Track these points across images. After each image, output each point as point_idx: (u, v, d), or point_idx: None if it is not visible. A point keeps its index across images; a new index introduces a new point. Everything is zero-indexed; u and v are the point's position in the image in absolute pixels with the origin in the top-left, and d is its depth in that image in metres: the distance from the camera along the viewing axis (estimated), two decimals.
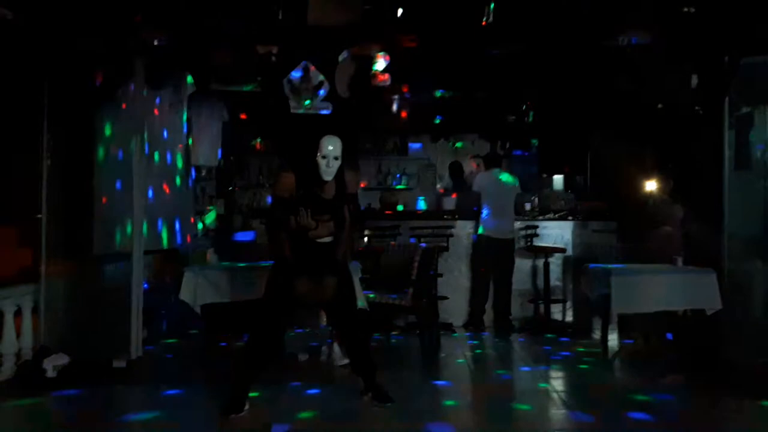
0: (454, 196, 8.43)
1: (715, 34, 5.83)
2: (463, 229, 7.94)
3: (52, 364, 5.09)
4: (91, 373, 5.18)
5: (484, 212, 7.70)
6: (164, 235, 7.11)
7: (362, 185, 9.98)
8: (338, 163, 4.41)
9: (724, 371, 5.39)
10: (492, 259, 7.70)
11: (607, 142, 8.70)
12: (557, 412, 4.65)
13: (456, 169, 9.26)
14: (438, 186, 10.51)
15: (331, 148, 4.37)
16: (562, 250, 7.81)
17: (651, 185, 7.05)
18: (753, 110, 5.72)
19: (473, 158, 8.78)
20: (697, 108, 6.33)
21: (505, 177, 7.93)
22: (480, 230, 7.71)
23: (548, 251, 7.70)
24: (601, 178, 9.10)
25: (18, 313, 5.29)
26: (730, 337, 5.66)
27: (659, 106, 7.09)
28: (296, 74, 7.46)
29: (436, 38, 6.68)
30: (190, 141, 7.74)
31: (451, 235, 7.74)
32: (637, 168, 7.74)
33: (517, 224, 7.97)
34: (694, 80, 6.30)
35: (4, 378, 5.10)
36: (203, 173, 8.42)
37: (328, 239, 4.52)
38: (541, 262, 7.75)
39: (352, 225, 4.60)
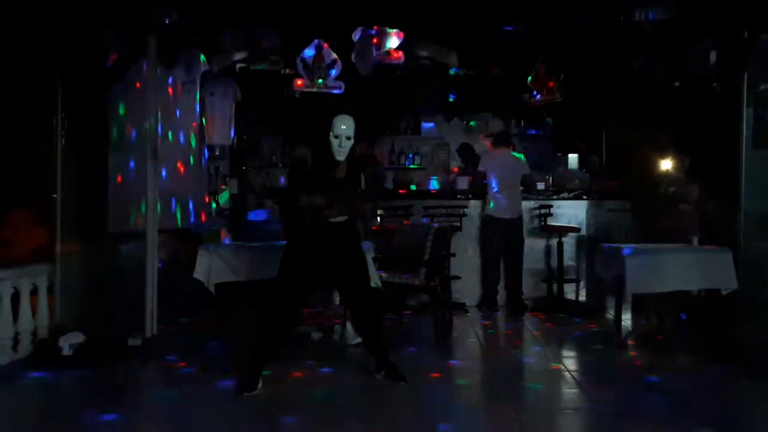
0: (470, 179, 8.36)
1: (733, 9, 5.72)
2: (476, 209, 7.91)
3: (68, 343, 5.14)
4: (107, 351, 5.23)
5: (492, 191, 7.66)
6: (178, 214, 7.15)
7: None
8: (351, 143, 4.40)
9: (739, 351, 5.35)
10: (501, 238, 7.67)
11: (623, 120, 8.61)
12: (570, 392, 4.65)
13: (466, 151, 9.21)
14: (452, 166, 10.45)
15: (344, 127, 4.35)
16: (577, 230, 7.76)
17: (667, 164, 6.97)
18: None
19: (486, 137, 8.71)
20: (714, 85, 6.23)
21: (513, 156, 7.88)
22: (493, 210, 7.67)
23: (562, 231, 7.66)
24: (617, 157, 9.02)
25: (34, 292, 5.33)
26: (746, 317, 5.61)
27: (676, 83, 6.99)
28: (309, 53, 7.43)
29: (451, 15, 6.61)
30: (204, 120, 7.75)
31: (465, 215, 7.71)
32: (652, 146, 7.65)
33: (531, 204, 7.93)
34: (712, 56, 6.20)
35: (21, 356, 5.15)
36: (217, 152, 8.43)
37: (341, 219, 4.52)
38: (554, 242, 7.71)
39: (368, 196, 4.60)
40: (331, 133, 4.37)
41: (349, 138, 4.38)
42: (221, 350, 5.70)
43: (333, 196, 4.43)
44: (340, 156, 4.40)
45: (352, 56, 7.10)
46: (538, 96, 8.34)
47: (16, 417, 4.03)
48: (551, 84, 8.17)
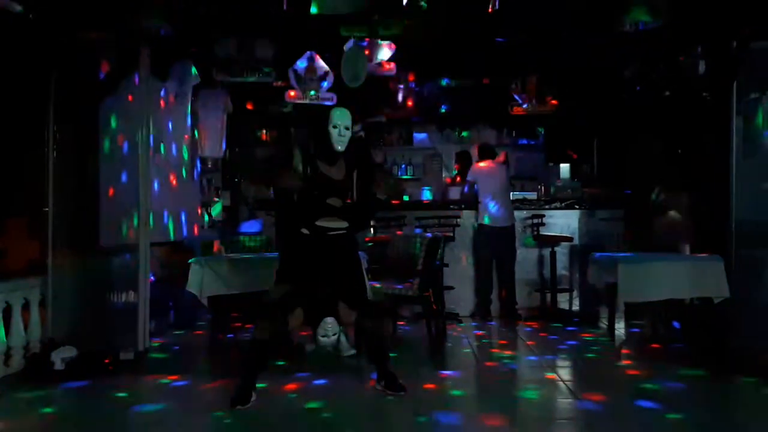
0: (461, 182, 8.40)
1: (723, 18, 5.77)
2: (469, 219, 7.94)
3: (60, 357, 5.11)
4: (99, 365, 5.20)
5: (482, 202, 7.71)
6: (171, 227, 7.12)
7: None
8: (349, 133, 4.40)
9: (732, 359, 5.36)
10: (494, 247, 7.69)
11: (614, 129, 8.66)
12: (564, 401, 4.64)
13: (464, 159, 9.24)
14: (444, 176, 10.48)
15: (342, 118, 4.37)
16: (569, 239, 7.78)
17: (657, 172, 7.01)
18: (762, 96, 5.66)
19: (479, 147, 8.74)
20: (705, 94, 6.28)
21: (499, 166, 7.92)
22: (485, 220, 7.70)
23: (555, 240, 7.68)
24: (608, 166, 9.06)
25: (26, 306, 5.31)
26: (738, 325, 5.63)
27: (667, 92, 7.03)
28: (301, 64, 7.45)
29: (442, 26, 6.64)
30: (196, 132, 7.74)
31: (457, 225, 7.73)
32: (644, 155, 7.69)
33: (524, 213, 7.96)
34: (702, 66, 6.25)
35: (13, 371, 5.12)
36: (209, 165, 8.41)
37: (341, 229, 4.48)
38: (547, 252, 7.73)
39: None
40: (329, 125, 4.36)
41: (347, 128, 4.38)
42: (214, 363, 5.68)
43: (330, 199, 4.41)
44: (340, 146, 4.38)
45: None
46: (525, 105, 8.39)
47: None
48: (550, 100, 8.25)
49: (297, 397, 4.61)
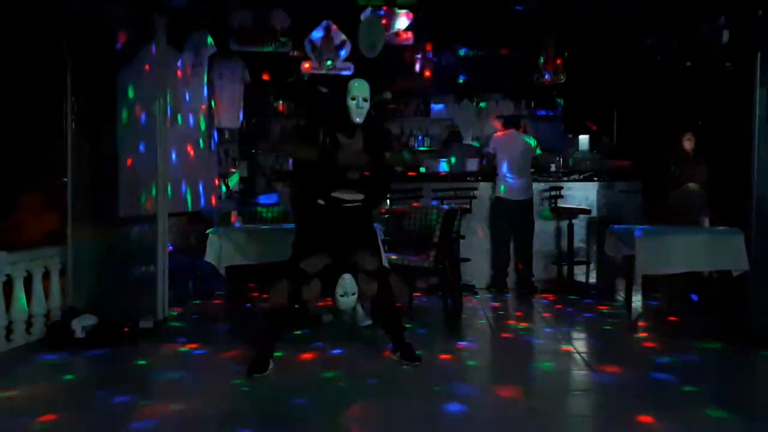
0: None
1: None
2: (486, 191, 7.89)
3: (80, 325, 5.18)
4: (118, 333, 5.27)
5: (501, 173, 7.64)
6: (188, 197, 7.17)
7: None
8: (367, 105, 4.40)
9: (750, 333, 5.33)
10: (511, 220, 7.65)
11: (634, 100, 8.54)
12: (580, 373, 4.65)
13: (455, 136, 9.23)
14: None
15: (360, 90, 4.38)
16: (587, 212, 7.72)
17: (676, 144, 6.92)
18: None
19: (497, 119, 8.66)
20: (727, 64, 6.17)
21: (523, 139, 7.83)
22: (501, 191, 7.65)
23: (572, 212, 7.62)
24: (628, 138, 8.96)
25: (47, 275, 5.39)
26: (757, 299, 5.59)
27: (688, 63, 6.92)
28: (317, 35, 7.40)
29: None
30: (213, 103, 7.74)
31: (474, 197, 7.69)
32: (664, 127, 7.59)
33: (542, 185, 7.90)
34: (725, 36, 6.13)
35: (34, 338, 5.21)
36: (226, 135, 8.43)
37: (357, 201, 4.47)
38: (565, 224, 7.68)
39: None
40: (347, 97, 4.37)
41: (365, 100, 4.39)
42: (232, 332, 5.74)
43: (348, 169, 4.41)
44: (359, 118, 4.40)
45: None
46: (548, 76, 8.28)
47: (30, 399, 4.08)
48: (558, 61, 8.12)
49: (313, 366, 4.66)
